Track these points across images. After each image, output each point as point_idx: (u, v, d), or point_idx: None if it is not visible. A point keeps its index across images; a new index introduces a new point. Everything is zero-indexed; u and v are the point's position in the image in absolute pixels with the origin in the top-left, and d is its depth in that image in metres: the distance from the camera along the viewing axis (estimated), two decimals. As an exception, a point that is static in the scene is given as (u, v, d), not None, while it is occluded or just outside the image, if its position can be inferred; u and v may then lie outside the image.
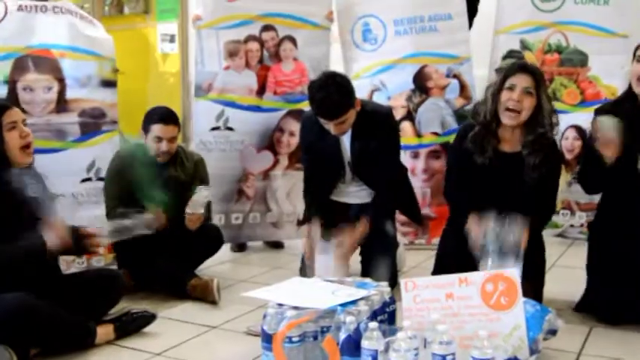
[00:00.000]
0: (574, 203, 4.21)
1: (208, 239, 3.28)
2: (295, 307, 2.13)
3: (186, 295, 3.03)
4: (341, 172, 3.15)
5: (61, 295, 2.45)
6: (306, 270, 3.05)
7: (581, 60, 4.18)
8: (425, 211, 3.85)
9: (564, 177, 4.10)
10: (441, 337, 1.85)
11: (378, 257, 3.03)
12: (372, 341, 1.90)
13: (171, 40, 4.58)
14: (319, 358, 2.06)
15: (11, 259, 2.32)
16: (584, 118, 3.96)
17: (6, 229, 2.32)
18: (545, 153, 2.67)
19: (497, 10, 4.21)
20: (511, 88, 2.64)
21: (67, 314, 2.38)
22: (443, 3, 4.07)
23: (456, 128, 3.94)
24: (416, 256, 3.68)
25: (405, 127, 4.06)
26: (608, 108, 2.80)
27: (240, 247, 4.13)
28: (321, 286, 2.34)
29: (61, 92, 3.54)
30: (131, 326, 2.57)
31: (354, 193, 3.18)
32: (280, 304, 2.18)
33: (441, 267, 2.79)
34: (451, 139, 3.91)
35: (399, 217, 3.44)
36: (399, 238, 3.47)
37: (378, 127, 3.04)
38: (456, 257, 2.62)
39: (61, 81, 3.53)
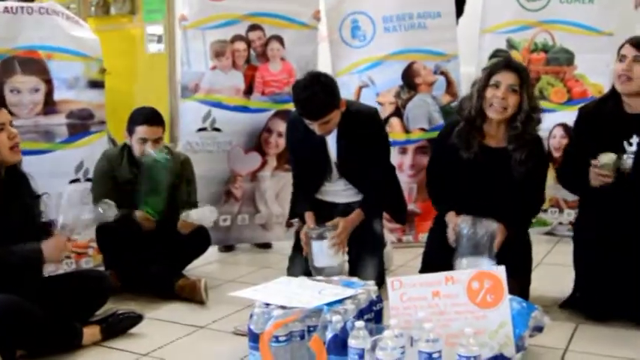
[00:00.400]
0: (562, 201, 4.23)
1: (196, 240, 3.27)
2: (282, 307, 2.14)
3: (173, 296, 3.02)
4: (327, 172, 3.15)
5: (48, 297, 2.45)
6: (293, 270, 3.06)
7: (567, 59, 4.20)
8: (410, 207, 3.86)
9: (552, 175, 4.12)
10: (427, 335, 1.86)
11: (366, 256, 3.05)
12: (358, 340, 1.90)
13: (159, 40, 4.57)
14: (306, 357, 2.06)
15: (3, 264, 2.32)
16: (571, 116, 3.97)
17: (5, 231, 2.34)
18: (531, 148, 2.68)
19: (483, 10, 4.23)
20: (496, 85, 2.66)
21: (53, 315, 2.37)
22: (432, 1, 4.08)
23: (442, 124, 3.97)
24: (403, 254, 3.69)
25: (394, 123, 4.08)
26: (592, 106, 2.83)
27: (227, 247, 4.12)
28: (308, 285, 2.35)
29: (49, 93, 3.53)
30: (118, 327, 2.57)
31: (341, 193, 3.18)
32: (267, 304, 2.18)
33: (428, 265, 2.80)
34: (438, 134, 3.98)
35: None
36: (387, 236, 3.47)
37: (364, 127, 3.05)
38: (442, 255, 2.63)
39: (49, 82, 3.52)
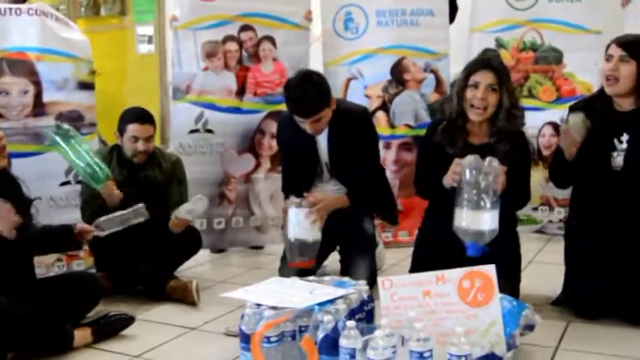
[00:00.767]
0: (552, 199, 4.25)
1: (187, 241, 3.27)
2: (273, 307, 2.13)
3: (165, 297, 3.02)
4: (318, 172, 3.15)
5: (38, 299, 2.44)
6: (285, 270, 3.05)
7: (555, 57, 4.23)
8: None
9: (542, 173, 4.16)
10: (418, 334, 1.87)
11: (357, 256, 3.04)
12: (349, 340, 1.90)
13: (149, 41, 4.56)
14: (297, 357, 2.06)
15: None
16: (560, 114, 4.01)
17: None
18: (513, 141, 2.69)
19: (472, 9, 4.25)
20: (475, 86, 2.65)
21: (44, 317, 2.37)
22: None
23: (429, 122, 3.97)
24: (396, 254, 3.69)
25: (380, 117, 4.08)
26: (582, 105, 2.84)
27: (219, 248, 4.10)
28: (299, 285, 2.35)
29: (38, 95, 3.51)
30: (109, 329, 2.56)
31: (332, 193, 3.16)
32: (258, 304, 2.18)
33: (418, 265, 2.80)
34: (423, 132, 3.97)
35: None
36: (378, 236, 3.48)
37: (355, 127, 3.05)
38: (432, 254, 2.63)
39: (38, 84, 3.50)
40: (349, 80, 4.10)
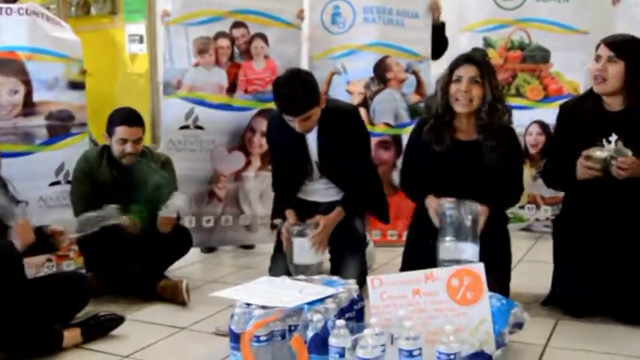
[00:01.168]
0: (539, 197, 4.27)
1: (178, 241, 3.26)
2: (263, 307, 2.13)
3: (155, 297, 3.01)
4: (308, 171, 3.15)
5: (27, 299, 2.42)
6: (275, 270, 3.05)
7: (543, 56, 4.25)
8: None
9: (529, 171, 4.19)
10: (407, 332, 1.87)
11: (348, 255, 3.05)
12: (339, 339, 1.90)
13: (140, 40, 4.54)
14: (287, 356, 2.06)
15: None
16: (547, 113, 4.05)
17: None
18: (501, 137, 2.71)
19: (460, 9, 4.27)
20: (458, 80, 2.69)
21: (33, 318, 2.35)
22: (411, 0, 4.10)
23: (408, 122, 4.02)
24: (386, 253, 3.69)
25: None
26: (572, 104, 2.86)
27: (210, 248, 4.09)
28: (289, 284, 2.35)
29: (28, 95, 3.50)
30: (99, 329, 2.55)
31: (322, 192, 3.18)
32: (248, 304, 2.17)
33: (408, 263, 2.81)
34: (402, 132, 4.01)
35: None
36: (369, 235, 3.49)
37: (344, 125, 3.06)
38: (423, 253, 2.64)
39: (28, 83, 3.49)
40: (332, 75, 4.10)
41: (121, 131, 3.13)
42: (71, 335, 2.47)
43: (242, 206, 4.05)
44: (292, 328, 2.10)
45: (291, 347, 2.02)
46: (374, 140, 4.06)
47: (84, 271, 3.27)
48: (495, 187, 2.67)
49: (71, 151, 3.56)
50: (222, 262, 3.88)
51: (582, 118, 2.72)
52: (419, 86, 4.11)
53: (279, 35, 4.02)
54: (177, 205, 3.14)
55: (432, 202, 2.71)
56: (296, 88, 2.86)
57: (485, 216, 2.60)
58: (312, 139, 3.08)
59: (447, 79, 2.73)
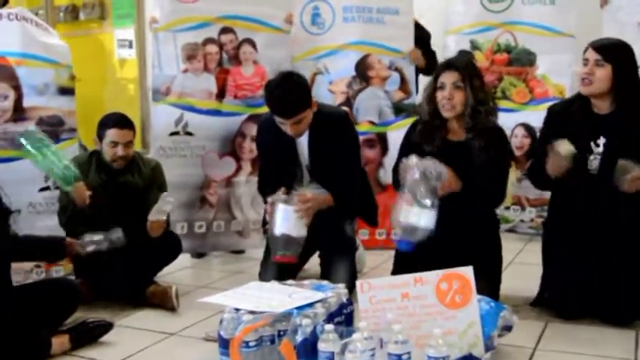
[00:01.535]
0: (524, 199, 4.31)
1: (167, 246, 3.25)
2: (252, 312, 2.13)
3: (144, 303, 3.00)
4: (298, 175, 3.14)
5: (15, 306, 2.41)
6: (265, 275, 3.05)
7: (529, 59, 4.29)
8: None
9: (514, 173, 4.22)
10: (396, 336, 1.87)
11: (337, 260, 3.05)
12: (328, 343, 1.91)
13: (130, 45, 4.53)
14: (277, 361, 2.06)
15: None
16: (533, 116, 4.08)
17: None
18: (490, 137, 2.72)
19: (447, 11, 4.29)
20: (442, 87, 2.72)
21: (20, 325, 2.34)
22: None
23: (392, 119, 4.04)
24: (376, 257, 3.69)
25: None
26: (560, 107, 2.87)
27: (200, 253, 4.07)
28: (278, 289, 2.34)
29: (18, 100, 3.48)
30: (87, 336, 2.54)
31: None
32: (237, 309, 2.17)
33: (401, 267, 2.80)
34: (387, 129, 4.04)
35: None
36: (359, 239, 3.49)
37: (335, 130, 3.06)
38: (414, 256, 2.63)
39: (17, 89, 3.48)
40: (315, 75, 4.11)
41: (112, 134, 3.12)
42: (59, 342, 2.45)
43: (234, 211, 4.04)
44: (281, 333, 2.10)
45: (280, 352, 2.02)
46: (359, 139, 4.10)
47: (73, 277, 3.26)
48: (481, 190, 2.67)
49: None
50: (212, 267, 3.87)
51: (570, 120, 2.73)
52: (403, 83, 4.13)
53: (268, 40, 4.02)
54: (166, 208, 3.13)
55: (402, 163, 2.65)
56: (288, 91, 2.87)
57: (451, 181, 2.57)
58: (303, 143, 3.08)
59: (433, 87, 2.76)
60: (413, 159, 2.54)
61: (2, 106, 3.43)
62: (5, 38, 3.44)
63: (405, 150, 2.89)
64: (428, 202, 2.47)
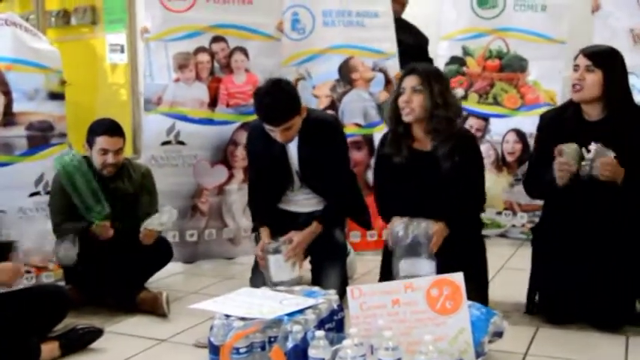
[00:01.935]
0: (516, 204, 4.32)
1: (158, 252, 3.24)
2: (242, 318, 2.12)
3: (135, 309, 2.99)
4: (289, 181, 3.15)
5: (4, 312, 2.40)
6: (256, 281, 3.04)
7: (520, 65, 4.30)
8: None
9: (506, 179, 4.23)
10: (387, 343, 1.87)
11: (328, 266, 3.04)
12: (318, 350, 1.90)
13: (121, 50, 4.53)
14: (267, 368, 2.05)
15: None
16: (524, 122, 4.10)
17: None
18: (455, 143, 2.71)
19: (439, 17, 4.32)
20: (402, 92, 2.74)
21: (9, 331, 2.33)
22: (370, 1, 4.15)
23: (378, 121, 4.06)
24: (367, 262, 3.69)
25: None
26: (552, 114, 2.89)
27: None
28: (269, 295, 2.34)
29: (8, 105, 3.47)
30: (77, 342, 2.52)
31: (303, 202, 3.18)
32: (227, 315, 2.17)
33: (386, 274, 2.81)
34: (373, 131, 4.06)
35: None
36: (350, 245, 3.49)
37: (325, 135, 3.06)
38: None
39: (7, 94, 3.47)
40: (298, 80, 4.10)
41: (101, 141, 3.11)
42: (49, 349, 2.43)
43: (225, 219, 4.04)
44: (272, 339, 2.09)
45: (270, 359, 2.01)
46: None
47: (63, 283, 3.24)
48: (452, 197, 2.68)
49: (51, 162, 3.52)
50: (203, 272, 3.85)
51: (562, 127, 2.74)
52: (387, 84, 4.15)
53: (260, 48, 4.03)
54: (163, 220, 3.14)
55: (391, 225, 2.72)
56: (277, 98, 2.87)
57: (440, 233, 2.62)
58: (292, 149, 3.08)
59: (397, 92, 2.78)
60: (398, 225, 2.63)
61: (-8, 110, 3.42)
62: (-5, 43, 3.43)
63: (379, 163, 2.91)
64: (424, 259, 2.55)
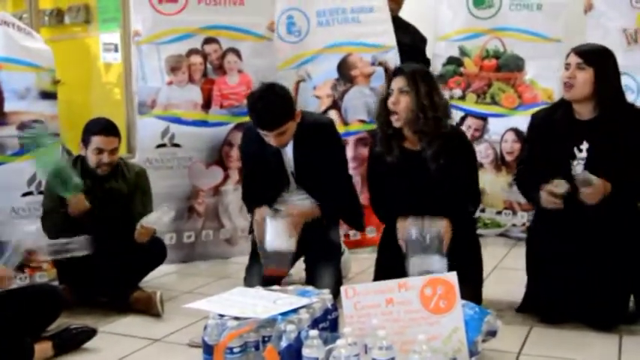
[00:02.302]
0: (516, 203, 4.32)
1: (152, 252, 3.23)
2: (236, 318, 2.12)
3: (129, 309, 2.98)
4: (284, 183, 3.13)
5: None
6: (250, 280, 3.04)
7: (517, 65, 4.31)
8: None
9: (505, 178, 4.24)
10: (381, 342, 1.87)
11: (322, 265, 3.04)
12: (312, 349, 1.90)
13: (115, 49, 4.53)
14: (261, 368, 2.05)
15: None
16: (522, 121, 4.09)
17: None
18: (444, 143, 2.71)
19: (436, 18, 4.32)
20: (390, 93, 2.74)
21: (3, 331, 2.32)
22: None
23: None
24: (362, 261, 3.69)
25: (332, 115, 4.06)
26: (543, 113, 2.89)
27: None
28: (263, 295, 2.34)
29: (-1, 105, 3.45)
30: (71, 342, 2.52)
31: (298, 202, 3.17)
32: (221, 315, 2.16)
33: (381, 273, 2.81)
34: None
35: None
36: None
37: (320, 138, 3.05)
38: (394, 262, 2.64)
39: (-2, 93, 3.44)
40: (298, 83, 4.11)
41: (97, 141, 3.10)
42: (42, 349, 2.43)
43: (222, 220, 4.05)
44: (266, 339, 2.09)
45: (264, 358, 2.01)
46: (351, 138, 4.10)
47: (57, 282, 3.23)
48: (443, 197, 2.68)
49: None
50: (198, 272, 3.85)
51: (553, 127, 2.75)
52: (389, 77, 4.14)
53: (252, 49, 4.02)
54: (163, 220, 3.14)
55: (400, 226, 2.71)
56: (271, 103, 2.86)
57: (449, 231, 2.62)
58: (288, 152, 3.07)
59: (386, 94, 2.77)
60: (412, 227, 2.61)
61: (-17, 111, 3.41)
62: (-14, 42, 3.41)
63: (371, 163, 2.91)
64: (437, 256, 2.54)
